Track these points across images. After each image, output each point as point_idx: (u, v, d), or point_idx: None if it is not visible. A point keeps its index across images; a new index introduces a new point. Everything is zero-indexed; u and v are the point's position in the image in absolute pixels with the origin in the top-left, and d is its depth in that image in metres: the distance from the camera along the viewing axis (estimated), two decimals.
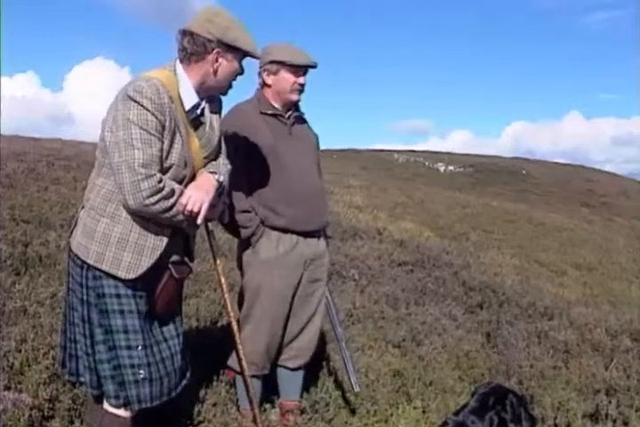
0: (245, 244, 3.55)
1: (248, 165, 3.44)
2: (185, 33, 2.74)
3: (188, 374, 3.04)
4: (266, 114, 3.54)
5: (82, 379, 2.85)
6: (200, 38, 2.71)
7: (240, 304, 3.64)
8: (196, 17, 2.76)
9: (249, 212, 3.45)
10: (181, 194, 2.68)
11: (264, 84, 3.58)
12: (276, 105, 3.58)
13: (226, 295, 3.08)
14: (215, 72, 2.78)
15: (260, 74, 3.58)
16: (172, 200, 2.63)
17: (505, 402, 3.07)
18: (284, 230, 3.53)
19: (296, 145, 3.61)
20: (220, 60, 2.76)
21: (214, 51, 2.73)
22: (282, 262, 3.52)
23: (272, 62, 3.51)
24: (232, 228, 3.53)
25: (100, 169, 2.73)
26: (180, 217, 2.69)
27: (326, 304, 3.79)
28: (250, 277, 3.55)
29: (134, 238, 2.67)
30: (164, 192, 2.59)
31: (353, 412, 4.08)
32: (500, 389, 3.21)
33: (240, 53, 2.79)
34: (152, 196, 2.56)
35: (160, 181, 2.58)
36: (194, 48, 2.73)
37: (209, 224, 2.98)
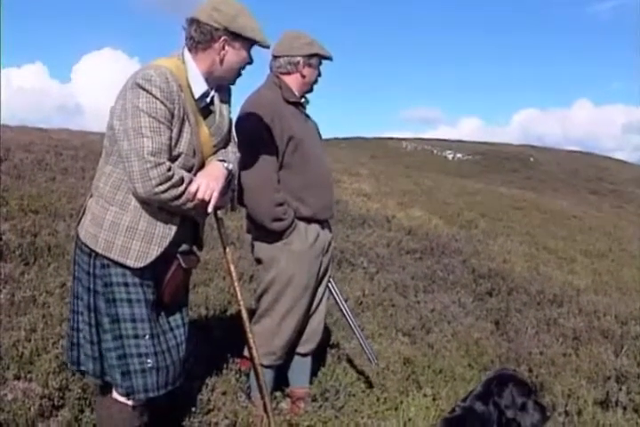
0: (273, 237, 3.47)
1: (278, 155, 3.40)
2: (192, 21, 2.72)
3: (186, 365, 3.05)
4: (288, 102, 3.51)
5: (83, 368, 2.84)
6: (207, 27, 2.68)
7: (259, 297, 3.60)
8: (202, 5, 2.73)
9: (283, 204, 3.40)
10: (190, 182, 2.66)
11: (291, 73, 3.52)
12: (296, 93, 3.56)
13: (235, 284, 3.06)
14: (222, 61, 2.75)
15: (289, 62, 3.50)
16: (181, 188, 2.61)
17: (504, 388, 3.07)
18: (309, 220, 3.53)
19: (311, 133, 3.62)
20: (226, 48, 2.73)
21: (221, 39, 2.70)
22: (311, 253, 3.52)
23: (316, 56, 3.51)
24: (259, 220, 3.44)
25: (108, 157, 2.72)
26: (190, 205, 2.68)
27: (330, 288, 3.80)
28: (281, 269, 3.47)
29: (143, 227, 2.66)
30: (173, 180, 2.58)
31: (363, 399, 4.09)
32: (503, 374, 3.21)
33: (248, 42, 2.76)
34: (161, 184, 2.54)
35: (169, 170, 2.57)
36: (200, 37, 2.70)
37: (218, 212, 2.96)
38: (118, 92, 2.69)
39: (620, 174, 41.41)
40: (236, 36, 2.72)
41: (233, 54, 2.75)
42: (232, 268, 3.05)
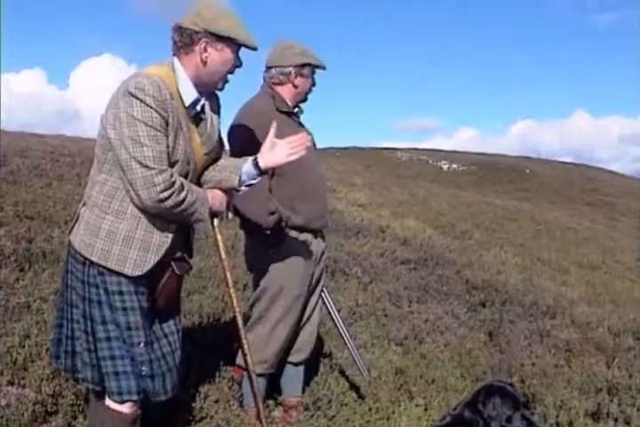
0: (265, 245, 3.49)
1: None
2: (176, 28, 2.74)
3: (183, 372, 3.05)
4: (281, 112, 3.52)
5: (81, 375, 2.83)
6: (187, 31, 2.70)
7: (251, 305, 3.61)
8: (188, 12, 2.75)
9: (274, 213, 3.42)
10: (190, 188, 2.68)
11: (283, 84, 3.54)
12: (289, 103, 3.58)
13: (231, 290, 3.07)
14: (205, 63, 2.74)
15: (281, 72, 3.52)
16: (182, 194, 2.62)
17: (489, 398, 3.08)
18: (302, 229, 3.55)
19: None
20: (209, 50, 2.73)
21: (201, 41, 2.70)
22: (302, 262, 3.53)
23: (308, 65, 3.52)
24: (251, 229, 3.49)
25: (100, 166, 2.71)
26: (192, 209, 2.69)
27: (323, 297, 3.81)
28: (272, 278, 3.50)
29: (140, 235, 2.66)
30: (175, 186, 2.59)
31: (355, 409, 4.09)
32: (493, 385, 3.22)
33: (231, 44, 2.75)
34: (166, 190, 2.56)
35: (172, 175, 2.59)
36: (181, 41, 2.72)
37: (215, 220, 2.98)
38: (109, 100, 2.69)
39: (615, 186, 41.42)
40: (217, 38, 2.71)
41: (216, 56, 2.74)
42: (228, 274, 3.06)
